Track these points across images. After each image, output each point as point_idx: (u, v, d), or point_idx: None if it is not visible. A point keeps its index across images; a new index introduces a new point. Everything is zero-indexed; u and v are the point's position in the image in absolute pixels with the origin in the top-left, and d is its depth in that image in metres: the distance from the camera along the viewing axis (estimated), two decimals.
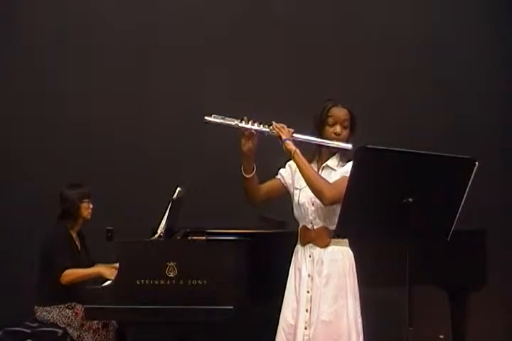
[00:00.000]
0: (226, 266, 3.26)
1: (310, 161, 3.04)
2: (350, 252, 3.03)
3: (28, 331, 3.85)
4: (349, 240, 3.02)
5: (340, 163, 3.04)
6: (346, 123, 3.03)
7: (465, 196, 2.62)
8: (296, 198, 3.08)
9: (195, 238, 3.62)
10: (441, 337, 4.66)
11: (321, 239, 3.00)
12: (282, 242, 3.22)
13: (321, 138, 3.02)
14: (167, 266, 3.23)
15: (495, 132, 5.06)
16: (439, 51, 5.07)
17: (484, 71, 5.08)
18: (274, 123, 3.02)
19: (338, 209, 2.87)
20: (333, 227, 2.93)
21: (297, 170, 3.02)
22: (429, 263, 3.73)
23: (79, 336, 3.85)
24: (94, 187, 4.15)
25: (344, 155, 3.03)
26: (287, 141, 2.98)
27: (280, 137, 2.99)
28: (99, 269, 3.86)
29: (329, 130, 3.02)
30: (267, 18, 5.04)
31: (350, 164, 2.88)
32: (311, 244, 3.02)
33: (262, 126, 3.02)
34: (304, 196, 3.04)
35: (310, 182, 2.95)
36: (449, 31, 5.09)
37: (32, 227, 4.47)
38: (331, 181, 2.96)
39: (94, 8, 5.04)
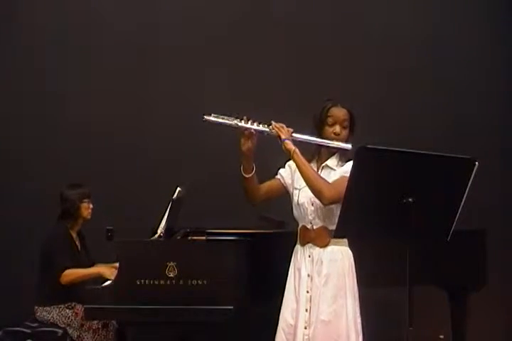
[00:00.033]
0: (226, 266, 3.26)
1: (309, 161, 3.04)
2: (350, 252, 3.03)
3: (28, 331, 3.85)
4: (348, 240, 3.02)
5: (340, 163, 3.04)
6: (346, 123, 3.04)
7: (465, 196, 2.62)
8: (295, 198, 3.08)
9: (195, 238, 3.62)
10: (441, 337, 4.66)
11: (321, 238, 3.00)
12: (282, 242, 3.22)
13: (321, 138, 3.02)
14: (167, 266, 3.23)
15: (495, 132, 5.06)
16: (439, 51, 5.07)
17: (484, 71, 5.08)
18: (273, 122, 3.02)
19: (337, 209, 2.88)
20: (332, 227, 2.93)
21: (297, 170, 3.02)
22: (429, 263, 3.73)
23: (79, 336, 3.86)
24: (94, 187, 4.15)
25: (343, 155, 3.03)
26: (286, 141, 2.98)
27: (279, 137, 2.99)
28: (99, 269, 3.86)
29: (328, 130, 3.02)
30: (267, 18, 5.04)
31: (349, 164, 2.89)
32: (310, 244, 3.02)
33: (261, 125, 3.02)
34: (303, 196, 3.04)
35: (309, 181, 2.95)
36: (449, 31, 5.09)
37: (32, 227, 4.47)
38: (330, 181, 2.96)
39: (94, 8, 5.04)
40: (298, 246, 3.09)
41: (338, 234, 2.82)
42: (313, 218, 3.02)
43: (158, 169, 4.83)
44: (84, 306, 3.37)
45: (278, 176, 3.18)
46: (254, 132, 3.01)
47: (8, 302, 4.48)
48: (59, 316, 3.87)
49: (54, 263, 3.85)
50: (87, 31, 5.00)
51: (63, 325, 3.86)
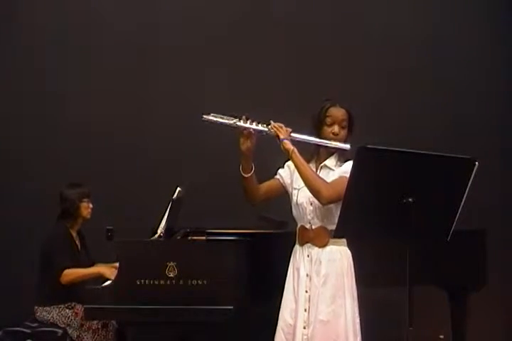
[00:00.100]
0: (226, 266, 3.26)
1: (308, 161, 3.04)
2: (349, 252, 3.03)
3: (28, 331, 3.85)
4: (348, 240, 3.02)
5: (338, 163, 3.04)
6: (344, 123, 3.04)
7: (465, 196, 2.62)
8: (294, 198, 3.09)
9: (195, 238, 3.62)
10: (441, 337, 4.66)
11: (319, 238, 3.00)
12: (282, 242, 3.21)
13: (319, 137, 3.03)
14: (167, 266, 3.23)
15: (495, 132, 5.06)
16: (439, 51, 5.07)
17: (484, 71, 5.08)
18: (272, 122, 3.02)
19: (336, 209, 2.89)
20: (331, 227, 2.94)
21: (296, 170, 3.02)
22: (429, 263, 3.73)
23: (78, 336, 3.85)
24: (94, 187, 4.15)
25: (342, 155, 3.03)
26: (285, 141, 2.98)
27: (278, 136, 2.99)
28: (99, 269, 3.87)
29: (327, 130, 3.03)
30: (267, 18, 5.04)
31: (348, 164, 2.90)
32: (309, 244, 3.02)
33: (260, 125, 3.03)
34: (302, 196, 3.04)
35: (308, 181, 2.95)
36: (449, 31, 5.09)
37: (32, 227, 4.47)
38: (328, 181, 2.96)
39: (94, 8, 5.04)
40: (297, 246, 3.09)
41: (338, 234, 2.82)
42: (312, 218, 3.02)
43: (158, 169, 4.83)
44: (84, 306, 3.37)
45: (277, 176, 3.19)
46: (253, 132, 3.01)
47: (8, 302, 4.48)
48: (59, 316, 3.87)
49: (54, 263, 3.85)
50: (87, 31, 5.00)
51: (63, 325, 3.86)
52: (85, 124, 4.88)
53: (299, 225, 3.09)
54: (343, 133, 3.04)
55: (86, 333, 3.86)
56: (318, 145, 3.05)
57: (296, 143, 3.00)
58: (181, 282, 3.22)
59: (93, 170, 4.74)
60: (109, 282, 3.48)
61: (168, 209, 3.61)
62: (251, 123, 3.01)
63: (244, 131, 3.01)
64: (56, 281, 3.82)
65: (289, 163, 3.11)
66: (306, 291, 2.98)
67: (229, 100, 4.53)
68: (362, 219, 2.65)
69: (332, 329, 2.92)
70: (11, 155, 4.90)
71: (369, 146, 2.55)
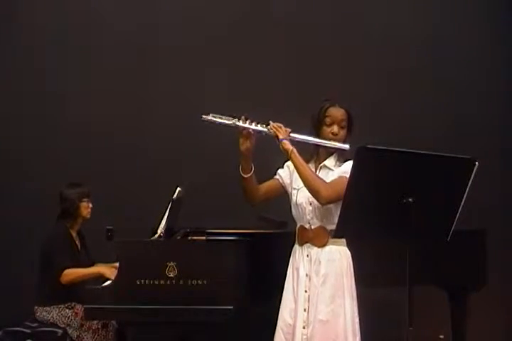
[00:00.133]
0: (226, 266, 3.26)
1: (308, 161, 3.04)
2: (348, 252, 3.04)
3: (28, 331, 3.85)
4: (347, 240, 3.02)
5: (338, 163, 3.04)
6: (344, 123, 3.04)
7: (465, 196, 2.62)
8: (294, 198, 3.09)
9: (195, 238, 3.62)
10: (441, 337, 4.66)
11: (319, 238, 3.00)
12: (282, 242, 3.21)
13: (319, 138, 3.03)
14: (167, 266, 3.23)
15: (495, 132, 5.06)
16: (439, 51, 5.07)
17: (484, 71, 5.08)
18: (271, 122, 3.02)
19: (335, 209, 2.90)
20: (330, 227, 2.95)
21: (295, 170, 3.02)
22: (429, 263, 3.73)
23: (78, 336, 3.85)
24: (94, 187, 4.15)
25: (341, 155, 3.03)
26: (284, 141, 2.98)
27: (277, 137, 2.99)
28: (100, 269, 3.87)
29: (326, 130, 3.03)
30: (267, 18, 5.04)
31: (347, 164, 2.90)
32: (308, 244, 3.02)
33: (259, 125, 3.03)
34: (301, 196, 3.04)
35: (307, 181, 2.95)
36: (449, 31, 5.09)
37: (32, 227, 4.47)
38: (328, 181, 2.96)
39: (94, 8, 5.04)
40: (296, 246, 3.09)
41: (338, 234, 2.83)
42: (312, 218, 3.02)
43: (158, 169, 4.83)
44: (84, 306, 3.37)
45: (277, 176, 3.19)
46: (252, 132, 3.01)
47: (8, 302, 4.48)
48: (59, 316, 3.87)
49: (54, 263, 3.85)
50: (87, 31, 5.00)
51: (63, 325, 3.86)
52: (85, 124, 4.88)
53: (298, 225, 3.09)
54: (343, 133, 3.04)
55: (86, 333, 3.86)
56: (318, 146, 3.05)
57: (295, 143, 3.00)
58: (181, 282, 3.22)
59: (93, 170, 4.73)
60: (109, 282, 3.48)
61: (168, 209, 3.61)
62: (250, 124, 3.02)
63: (244, 131, 3.01)
64: (56, 281, 3.82)
65: (289, 163, 3.11)
66: (306, 291, 2.98)
67: (229, 100, 4.53)
68: (362, 219, 2.65)
69: (331, 329, 2.92)
70: (11, 155, 4.90)
71: (369, 146, 2.55)
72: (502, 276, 4.60)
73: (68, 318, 3.87)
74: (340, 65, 4.98)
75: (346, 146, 2.97)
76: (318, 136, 3.03)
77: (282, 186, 3.16)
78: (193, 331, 3.37)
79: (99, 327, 3.88)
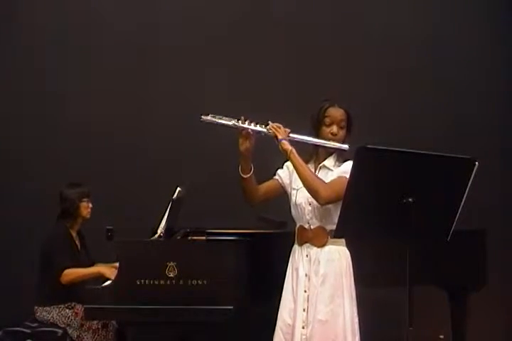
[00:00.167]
0: (226, 266, 3.26)
1: (307, 161, 3.04)
2: (347, 252, 3.04)
3: (28, 331, 3.85)
4: (347, 240, 3.02)
5: (337, 163, 3.04)
6: (343, 124, 3.04)
7: (465, 196, 2.62)
8: (293, 198, 3.09)
9: (195, 238, 3.62)
10: (441, 337, 4.66)
11: (318, 238, 3.00)
12: (282, 242, 3.21)
13: (318, 138, 3.03)
14: (167, 266, 3.23)
15: (495, 132, 5.06)
16: (439, 51, 5.07)
17: (484, 71, 5.08)
18: (270, 123, 3.02)
19: (334, 209, 2.91)
20: (329, 227, 2.95)
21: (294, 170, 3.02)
22: (429, 263, 3.73)
23: (78, 336, 3.85)
24: (94, 187, 4.15)
25: (341, 156, 3.04)
26: (283, 141, 2.98)
27: (276, 137, 3.00)
28: (100, 269, 3.87)
29: (326, 130, 3.03)
30: (267, 18, 5.03)
31: (346, 164, 2.91)
32: (308, 244, 3.02)
33: (258, 125, 3.03)
34: (301, 196, 3.04)
35: (306, 182, 2.95)
36: (449, 31, 5.09)
37: (32, 227, 4.47)
38: (327, 181, 2.96)
39: (94, 8, 5.04)
40: (295, 246, 3.09)
41: (338, 234, 2.83)
42: (311, 218, 3.02)
43: (158, 169, 4.83)
44: (84, 306, 3.37)
45: (276, 177, 3.19)
46: (252, 132, 3.01)
47: (8, 302, 4.48)
48: (59, 316, 3.87)
49: (54, 263, 3.85)
50: (87, 31, 5.00)
51: (63, 325, 3.86)
52: (85, 124, 4.88)
53: (297, 225, 3.09)
54: (342, 133, 3.04)
55: (86, 333, 3.86)
56: (317, 146, 3.05)
57: (294, 143, 3.00)
58: (181, 282, 3.22)
59: (93, 170, 4.73)
60: (109, 282, 3.48)
61: (168, 209, 3.61)
62: (249, 124, 3.02)
63: (243, 132, 3.01)
64: (56, 281, 3.82)
65: (288, 163, 3.11)
66: (305, 291, 2.98)
67: (229, 100, 4.54)
68: (362, 219, 2.65)
69: (331, 329, 2.92)
70: (11, 155, 4.90)
71: (369, 146, 2.55)
72: (502, 276, 4.60)
73: (68, 318, 3.87)
74: (340, 65, 4.98)
75: (345, 146, 2.97)
76: (317, 136, 3.03)
77: (282, 186, 3.16)
78: (193, 331, 3.37)
79: (99, 327, 3.88)
